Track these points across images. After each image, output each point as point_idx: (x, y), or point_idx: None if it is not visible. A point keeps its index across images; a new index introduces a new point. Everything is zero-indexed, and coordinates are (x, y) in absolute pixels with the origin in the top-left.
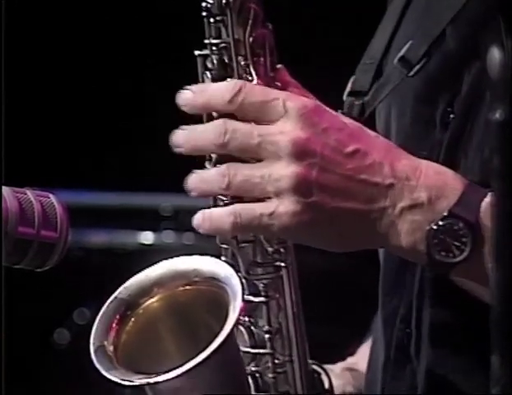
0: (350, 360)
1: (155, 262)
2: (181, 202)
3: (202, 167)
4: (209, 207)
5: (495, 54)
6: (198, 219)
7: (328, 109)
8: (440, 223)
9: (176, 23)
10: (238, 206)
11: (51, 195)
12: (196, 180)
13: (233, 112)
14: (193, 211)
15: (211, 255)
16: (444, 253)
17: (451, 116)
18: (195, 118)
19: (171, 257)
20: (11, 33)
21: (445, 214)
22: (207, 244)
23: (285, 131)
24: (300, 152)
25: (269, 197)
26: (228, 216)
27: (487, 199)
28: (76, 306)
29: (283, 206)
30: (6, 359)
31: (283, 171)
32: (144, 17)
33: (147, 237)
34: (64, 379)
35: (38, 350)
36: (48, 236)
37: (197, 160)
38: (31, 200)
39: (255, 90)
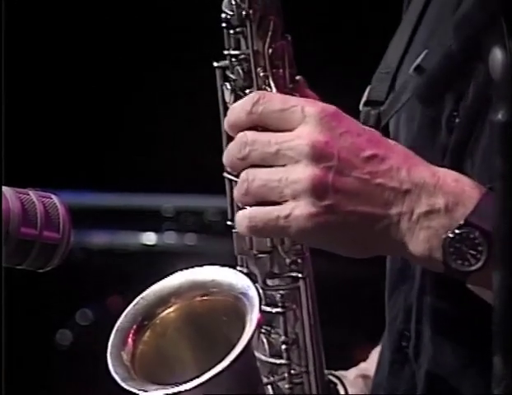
0: (362, 366)
1: (157, 263)
2: (183, 203)
3: (204, 168)
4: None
5: (497, 55)
6: None
7: (346, 115)
8: (457, 231)
9: (176, 23)
10: (254, 209)
11: (53, 196)
12: None
13: (255, 123)
14: (195, 212)
15: (217, 259)
16: (460, 262)
17: (456, 120)
18: (195, 121)
19: (172, 258)
20: (11, 33)
21: (462, 222)
22: (208, 246)
23: (302, 135)
24: (318, 155)
25: (287, 201)
26: (244, 219)
27: None
28: (79, 307)
29: (299, 209)
30: (8, 359)
31: (300, 174)
32: (144, 17)
33: (149, 238)
34: (66, 380)
35: (40, 350)
36: (50, 237)
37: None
38: (34, 201)
39: (274, 99)
